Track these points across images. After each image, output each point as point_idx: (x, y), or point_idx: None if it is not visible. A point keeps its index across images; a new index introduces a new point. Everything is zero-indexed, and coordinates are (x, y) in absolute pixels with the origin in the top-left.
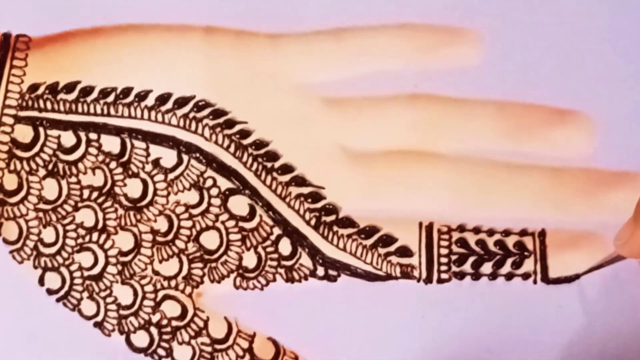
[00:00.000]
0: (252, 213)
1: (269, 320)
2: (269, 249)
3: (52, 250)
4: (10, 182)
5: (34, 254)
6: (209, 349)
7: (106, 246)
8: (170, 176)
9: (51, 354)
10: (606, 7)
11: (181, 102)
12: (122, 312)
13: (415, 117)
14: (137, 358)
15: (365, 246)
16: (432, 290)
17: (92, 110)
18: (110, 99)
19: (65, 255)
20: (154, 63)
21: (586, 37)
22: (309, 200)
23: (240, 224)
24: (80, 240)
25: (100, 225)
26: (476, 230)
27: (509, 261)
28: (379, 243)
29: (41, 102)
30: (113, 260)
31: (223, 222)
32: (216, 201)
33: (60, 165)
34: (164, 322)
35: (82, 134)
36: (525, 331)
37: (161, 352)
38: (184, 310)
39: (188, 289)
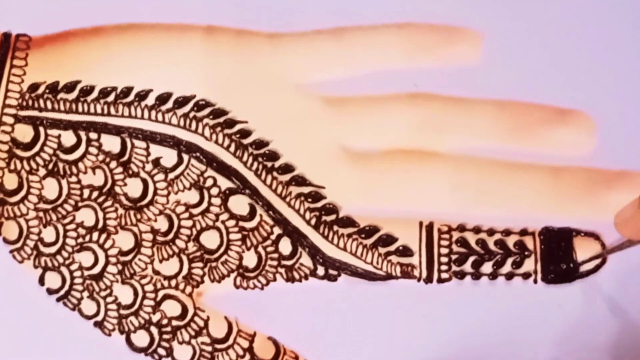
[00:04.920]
0: (253, 213)
1: (269, 320)
2: (269, 249)
3: (52, 249)
4: (11, 182)
5: (34, 254)
6: (209, 348)
7: (106, 246)
8: (171, 176)
9: (51, 354)
10: (606, 7)
11: (181, 101)
12: (122, 311)
13: (416, 116)
14: (137, 358)
15: (366, 246)
16: (433, 290)
17: (92, 110)
18: (111, 98)
19: (65, 254)
20: (154, 63)
21: (586, 36)
22: (309, 199)
23: (241, 223)
24: (80, 240)
25: (100, 224)
26: (476, 230)
27: (510, 261)
28: (379, 242)
29: (41, 101)
30: (113, 259)
31: (223, 222)
32: (216, 201)
33: (61, 165)
34: (164, 321)
35: (82, 134)
36: (525, 331)
37: (161, 351)
38: (184, 309)
39: (188, 289)
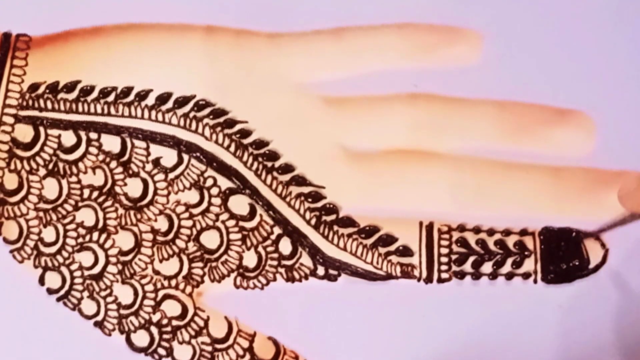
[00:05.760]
0: (253, 212)
1: (269, 320)
2: (269, 249)
3: (53, 249)
4: (11, 182)
5: (34, 254)
6: (209, 348)
7: (106, 246)
8: (171, 176)
9: (51, 354)
10: (606, 7)
11: (181, 101)
12: (122, 311)
13: (415, 116)
14: (137, 357)
15: (366, 245)
16: (433, 290)
17: (92, 110)
18: (111, 98)
19: (65, 254)
20: (154, 63)
21: (586, 37)
22: (309, 199)
23: (241, 223)
24: (80, 240)
25: (100, 224)
26: (476, 230)
27: (509, 261)
28: (379, 242)
29: (41, 101)
30: (113, 259)
31: (223, 222)
32: (216, 201)
33: (61, 165)
34: (165, 321)
35: (83, 134)
36: (525, 331)
37: (161, 351)
38: (184, 309)
39: (188, 289)
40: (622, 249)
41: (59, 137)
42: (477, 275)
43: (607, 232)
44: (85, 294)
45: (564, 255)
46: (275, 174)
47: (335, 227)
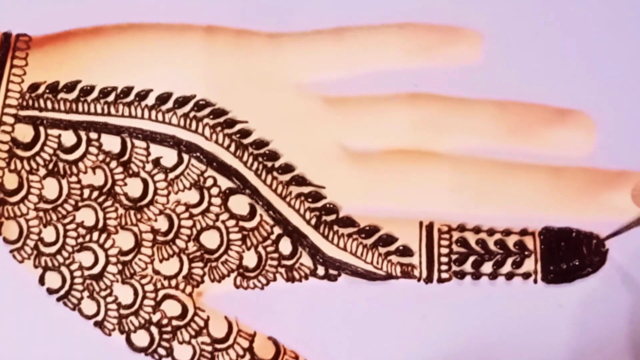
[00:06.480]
0: (253, 212)
1: (269, 320)
2: (270, 249)
3: (53, 249)
4: (11, 182)
5: (34, 254)
6: (209, 348)
7: (106, 245)
8: (171, 175)
9: (51, 354)
10: (606, 7)
11: (181, 101)
12: (122, 311)
13: (416, 116)
14: (137, 357)
15: (366, 245)
16: (433, 290)
17: (92, 110)
18: (111, 98)
19: (65, 254)
20: (154, 62)
21: (586, 37)
22: (310, 199)
23: (241, 223)
24: (80, 240)
25: (100, 224)
26: (476, 230)
27: (510, 261)
28: (380, 242)
29: (41, 101)
30: (113, 259)
31: (223, 222)
32: (216, 200)
33: (61, 165)
34: (165, 321)
35: (83, 134)
36: (525, 331)
37: (161, 351)
38: (185, 309)
39: (188, 289)
40: (623, 249)
41: (59, 137)
42: (477, 275)
43: (622, 234)
44: (85, 293)
45: (564, 255)
46: (275, 174)
47: (335, 227)
